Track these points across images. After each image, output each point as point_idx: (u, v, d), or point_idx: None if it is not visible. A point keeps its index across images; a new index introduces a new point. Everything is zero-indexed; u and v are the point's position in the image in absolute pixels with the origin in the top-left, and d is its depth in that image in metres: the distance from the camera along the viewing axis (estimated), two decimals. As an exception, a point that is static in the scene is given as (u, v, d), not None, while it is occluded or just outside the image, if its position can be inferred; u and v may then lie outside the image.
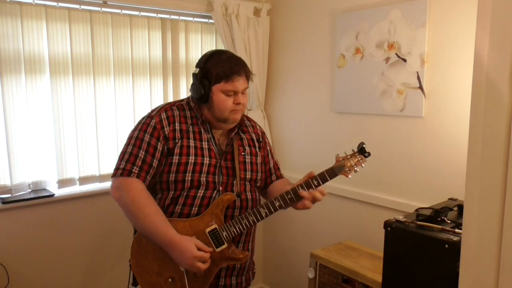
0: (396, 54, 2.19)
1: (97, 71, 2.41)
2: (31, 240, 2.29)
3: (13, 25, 2.13)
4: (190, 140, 1.59)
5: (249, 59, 2.82)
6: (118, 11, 2.45)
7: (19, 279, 2.25)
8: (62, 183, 2.37)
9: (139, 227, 1.54)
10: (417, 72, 2.10)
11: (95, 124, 2.44)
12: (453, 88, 2.00)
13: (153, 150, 1.55)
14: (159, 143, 1.55)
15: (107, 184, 2.53)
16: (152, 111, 1.64)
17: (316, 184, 1.57)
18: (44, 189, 2.34)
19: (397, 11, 2.16)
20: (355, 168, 1.61)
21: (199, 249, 1.48)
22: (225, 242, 1.55)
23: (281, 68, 2.94)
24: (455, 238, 1.44)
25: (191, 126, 1.62)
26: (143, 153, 1.54)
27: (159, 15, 2.61)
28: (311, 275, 2.23)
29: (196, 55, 2.81)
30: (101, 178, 2.50)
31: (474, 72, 0.82)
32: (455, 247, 1.41)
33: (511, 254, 0.78)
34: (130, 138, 1.59)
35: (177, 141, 1.57)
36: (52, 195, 2.31)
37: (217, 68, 1.57)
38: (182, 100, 1.71)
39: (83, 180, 2.44)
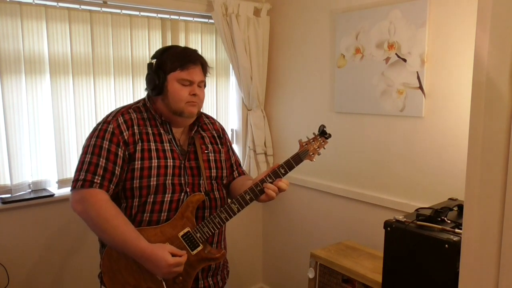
0: (396, 54, 2.19)
1: (97, 71, 2.41)
2: (31, 240, 2.29)
3: (13, 25, 2.13)
4: (151, 143, 1.54)
5: (249, 59, 2.82)
6: (118, 11, 2.45)
7: (19, 279, 2.25)
8: (62, 183, 2.37)
9: (108, 240, 1.46)
10: (417, 72, 2.10)
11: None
12: (453, 88, 2.00)
13: (114, 157, 1.47)
14: (120, 149, 1.49)
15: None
16: (108, 116, 1.57)
17: (283, 172, 1.56)
18: (44, 189, 2.34)
19: (397, 11, 2.16)
20: (318, 151, 1.62)
21: (173, 255, 1.44)
22: (200, 244, 1.52)
23: (281, 68, 2.94)
24: (455, 238, 1.44)
25: (150, 128, 1.56)
26: (104, 161, 1.46)
27: (159, 15, 2.61)
28: (311, 275, 2.23)
29: (196, 55, 2.81)
30: (101, 178, 2.49)
31: (474, 72, 0.82)
32: (455, 247, 1.41)
33: (511, 254, 0.78)
34: (87, 146, 1.51)
35: (137, 145, 1.51)
36: (52, 195, 2.30)
37: (173, 57, 1.55)
38: (138, 102, 1.65)
39: (83, 180, 2.44)
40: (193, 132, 1.65)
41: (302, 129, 2.84)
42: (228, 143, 1.81)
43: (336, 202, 2.62)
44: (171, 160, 1.56)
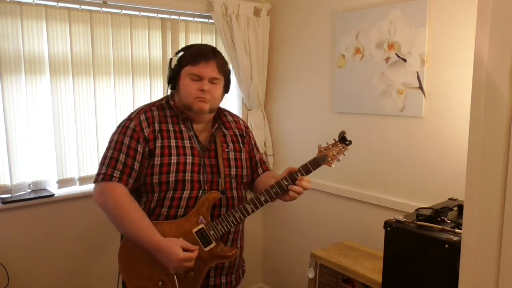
0: (396, 54, 2.19)
1: (97, 71, 2.41)
2: (31, 240, 2.29)
3: (13, 25, 2.13)
4: (171, 140, 1.57)
5: (249, 59, 2.82)
6: (118, 11, 2.45)
7: (19, 279, 2.25)
8: (62, 183, 2.37)
9: (124, 232, 1.53)
10: (417, 72, 2.10)
11: (95, 124, 2.44)
12: (453, 88, 2.00)
13: (133, 153, 1.53)
14: (139, 145, 1.54)
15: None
16: (132, 113, 1.63)
17: (300, 176, 1.57)
18: (44, 189, 2.33)
19: (397, 11, 2.16)
20: (338, 157, 1.61)
21: (185, 249, 1.47)
22: (213, 241, 1.54)
23: (281, 68, 2.94)
24: (455, 238, 1.44)
25: (171, 125, 1.60)
26: (124, 156, 1.53)
27: (159, 15, 2.61)
28: (311, 275, 2.23)
29: (196, 55, 2.81)
30: (101, 178, 2.49)
31: (474, 72, 0.82)
32: (455, 247, 1.41)
33: (511, 254, 0.78)
34: (110, 142, 1.58)
35: (157, 141, 1.55)
36: (52, 195, 2.31)
37: (189, 53, 1.59)
38: (161, 100, 1.69)
39: (83, 180, 2.44)
40: (214, 129, 1.67)
41: (302, 129, 2.84)
42: (253, 141, 1.82)
43: (336, 202, 2.62)
44: (190, 157, 1.58)
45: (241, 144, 1.74)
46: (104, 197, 1.50)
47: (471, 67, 0.85)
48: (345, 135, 1.61)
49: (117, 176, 1.51)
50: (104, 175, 1.51)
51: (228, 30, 2.71)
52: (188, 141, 1.60)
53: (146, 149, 1.55)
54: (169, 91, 1.69)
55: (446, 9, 1.99)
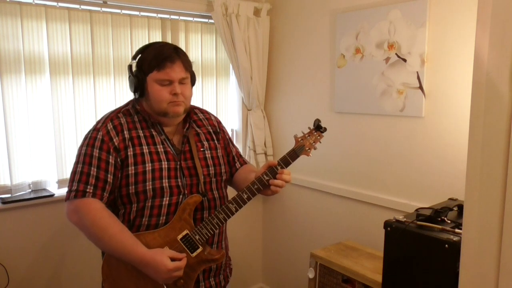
0: (396, 54, 2.19)
1: (97, 71, 2.41)
2: (31, 240, 2.29)
3: (13, 25, 2.13)
4: (143, 147, 1.50)
5: (249, 59, 2.82)
6: (118, 11, 2.45)
7: (19, 279, 2.25)
8: (62, 183, 2.37)
9: (106, 249, 1.45)
10: (417, 72, 2.10)
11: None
12: (453, 88, 2.00)
13: (105, 165, 1.45)
14: (111, 156, 1.46)
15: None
16: (98, 122, 1.54)
17: (280, 169, 1.56)
18: (44, 189, 2.33)
19: (397, 11, 2.16)
20: (315, 146, 1.62)
21: (173, 259, 1.42)
22: (200, 246, 1.50)
23: (281, 68, 2.94)
24: (455, 238, 1.44)
25: (141, 131, 1.52)
26: (95, 169, 1.45)
27: (159, 15, 2.61)
28: (311, 275, 2.23)
29: (196, 55, 2.81)
30: (101, 178, 2.49)
31: (474, 72, 0.82)
32: (455, 247, 1.41)
33: (511, 254, 0.78)
34: (78, 155, 1.49)
35: (128, 150, 1.48)
36: (52, 195, 2.30)
37: (150, 57, 1.48)
38: (127, 105, 1.60)
39: (83, 180, 2.44)
40: (186, 130, 1.60)
41: (302, 129, 2.84)
42: (227, 137, 1.78)
43: (336, 202, 2.62)
44: (166, 162, 1.52)
45: (215, 141, 1.69)
46: (78, 215, 1.42)
47: (471, 67, 0.85)
48: (320, 123, 1.62)
49: (91, 191, 1.44)
50: (76, 192, 1.44)
51: (228, 30, 2.71)
52: (161, 146, 1.53)
53: (118, 159, 1.47)
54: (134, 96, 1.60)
55: (446, 9, 2.00)
